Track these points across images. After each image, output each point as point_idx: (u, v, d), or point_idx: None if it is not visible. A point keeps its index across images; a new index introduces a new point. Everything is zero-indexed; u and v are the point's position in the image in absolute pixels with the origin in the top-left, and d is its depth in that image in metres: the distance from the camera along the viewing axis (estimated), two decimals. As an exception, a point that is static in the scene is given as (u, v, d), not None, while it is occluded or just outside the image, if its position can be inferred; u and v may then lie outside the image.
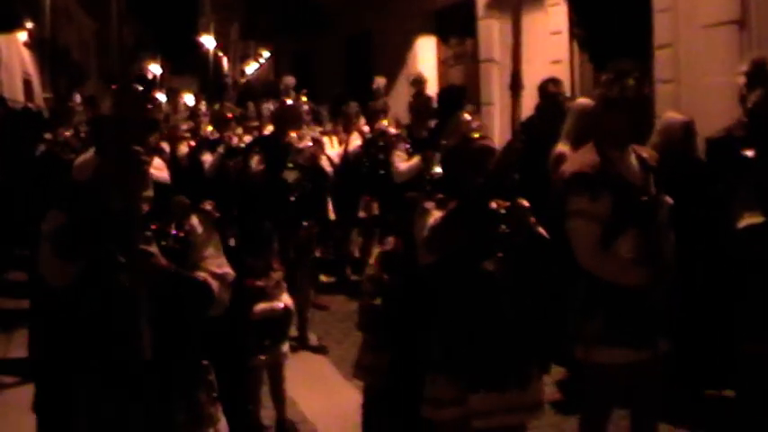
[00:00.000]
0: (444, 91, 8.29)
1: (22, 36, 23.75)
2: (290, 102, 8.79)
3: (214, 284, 3.77)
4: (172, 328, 3.67)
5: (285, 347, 6.18)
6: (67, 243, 3.49)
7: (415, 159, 8.28)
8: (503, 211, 4.28)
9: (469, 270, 4.20)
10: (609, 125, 4.51)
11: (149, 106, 3.93)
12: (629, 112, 4.44)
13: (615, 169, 4.41)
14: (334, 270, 11.24)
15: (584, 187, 4.37)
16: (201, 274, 3.76)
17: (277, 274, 6.08)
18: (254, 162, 8.02)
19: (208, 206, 4.29)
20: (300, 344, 7.95)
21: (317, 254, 8.44)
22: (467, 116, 4.46)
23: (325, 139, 10.33)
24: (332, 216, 9.82)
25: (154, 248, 3.55)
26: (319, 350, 8.07)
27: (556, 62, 12.35)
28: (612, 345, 4.39)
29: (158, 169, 7.73)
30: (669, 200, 4.67)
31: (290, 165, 7.96)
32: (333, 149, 10.61)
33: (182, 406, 3.73)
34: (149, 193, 3.79)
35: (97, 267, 3.55)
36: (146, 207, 3.72)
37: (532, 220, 4.30)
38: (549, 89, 7.87)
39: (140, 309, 3.50)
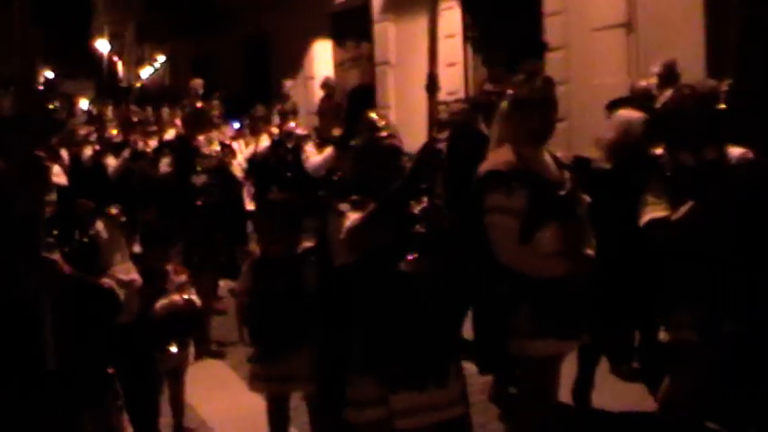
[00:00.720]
0: (353, 91, 8.31)
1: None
2: (199, 105, 8.80)
3: (121, 292, 3.67)
4: (77, 337, 3.54)
5: (190, 351, 6.05)
6: None
7: (328, 150, 8.38)
8: (417, 212, 4.25)
9: (386, 270, 4.17)
10: (520, 124, 4.57)
11: (51, 107, 3.80)
12: (538, 111, 4.52)
13: (529, 166, 4.48)
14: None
15: (499, 184, 4.44)
16: (108, 281, 3.65)
17: (180, 277, 5.92)
18: (163, 165, 7.98)
19: (113, 210, 4.26)
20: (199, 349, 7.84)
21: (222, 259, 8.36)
22: (374, 115, 4.46)
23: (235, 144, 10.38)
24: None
25: (56, 255, 3.44)
26: (218, 355, 8.00)
27: (451, 65, 12.58)
28: (539, 337, 4.45)
29: (56, 175, 7.67)
30: (586, 197, 4.75)
31: (199, 168, 7.88)
32: (241, 154, 10.62)
33: (89, 417, 3.64)
34: (52, 197, 3.72)
35: None
36: (48, 211, 3.61)
37: (446, 219, 4.31)
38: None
39: (43, 317, 3.36)
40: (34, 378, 3.43)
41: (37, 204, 3.43)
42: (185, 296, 5.82)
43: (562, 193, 4.51)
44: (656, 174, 4.84)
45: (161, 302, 5.54)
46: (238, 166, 8.64)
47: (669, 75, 7.17)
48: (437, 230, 4.21)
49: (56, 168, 7.86)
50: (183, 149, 7.97)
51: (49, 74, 50.36)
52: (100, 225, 3.76)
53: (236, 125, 12.43)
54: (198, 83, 11.47)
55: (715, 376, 4.87)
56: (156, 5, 24.94)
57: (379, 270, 4.16)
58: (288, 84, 11.67)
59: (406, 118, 13.40)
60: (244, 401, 6.34)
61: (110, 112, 12.78)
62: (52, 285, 3.38)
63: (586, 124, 7.60)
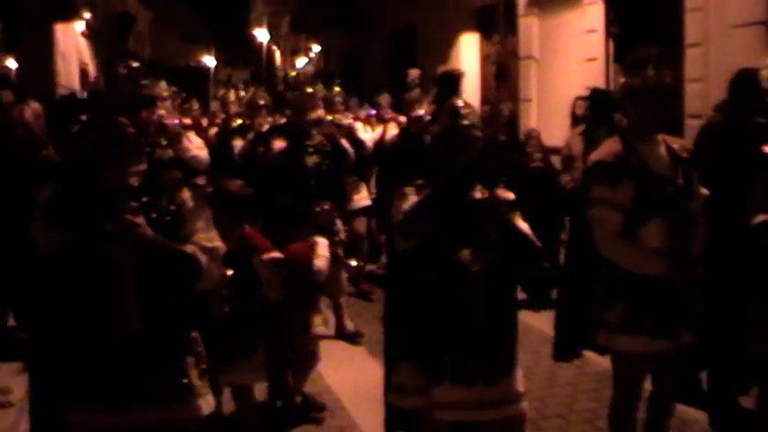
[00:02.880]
0: (442, 76, 8.28)
1: (80, 26, 24.30)
2: (308, 89, 8.87)
3: (202, 257, 3.73)
4: (158, 299, 3.63)
5: (318, 321, 6.11)
6: (55, 212, 3.53)
7: None
8: (478, 203, 4.19)
9: (443, 259, 4.13)
10: (631, 114, 4.50)
11: (144, 83, 4.02)
12: (650, 100, 4.35)
13: (638, 158, 4.34)
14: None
15: (605, 176, 4.33)
16: (190, 247, 3.72)
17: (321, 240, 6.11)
18: (276, 145, 8.13)
19: (201, 181, 4.26)
20: (337, 332, 7.94)
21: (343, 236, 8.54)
22: (459, 103, 4.41)
23: (359, 124, 10.68)
24: (367, 202, 10.18)
25: (140, 219, 3.51)
26: (355, 337, 8.17)
27: (591, 60, 12.64)
28: (632, 333, 4.35)
29: (199, 149, 8.12)
30: (704, 192, 4.61)
31: (310, 149, 8.04)
32: (367, 133, 10.88)
33: (167, 378, 3.69)
34: (141, 166, 3.79)
35: (85, 236, 3.52)
36: (136, 180, 3.72)
37: (515, 214, 4.26)
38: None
39: (126, 278, 3.46)
40: (117, 336, 3.53)
41: (119, 171, 3.55)
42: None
43: (671, 188, 4.37)
44: (765, 174, 4.77)
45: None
46: (347, 143, 8.83)
47: None
48: (497, 223, 4.16)
49: (199, 141, 8.33)
50: (293, 131, 8.16)
51: (210, 60, 52.14)
52: (186, 194, 3.85)
53: (373, 112, 12.75)
54: (309, 69, 11.85)
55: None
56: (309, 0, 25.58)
57: (434, 258, 4.12)
58: (413, 73, 11.87)
59: (546, 112, 13.61)
60: (368, 373, 6.75)
61: (232, 95, 13.26)
62: (135, 248, 3.47)
63: None
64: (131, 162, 3.68)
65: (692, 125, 10.28)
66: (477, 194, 4.18)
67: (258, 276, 5.24)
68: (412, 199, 4.19)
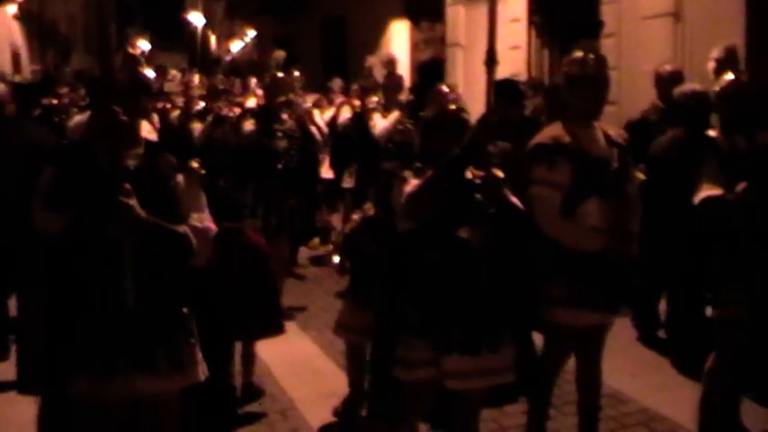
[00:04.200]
0: (424, 65, 8.65)
1: (11, 9, 24.13)
2: (280, 74, 8.98)
3: (194, 237, 3.87)
4: (153, 277, 3.77)
5: None
6: (55, 195, 3.66)
7: (394, 114, 8.91)
8: (477, 181, 4.34)
9: (445, 237, 4.28)
10: (571, 102, 4.67)
11: (141, 69, 4.13)
12: (588, 88, 4.59)
13: (576, 142, 4.56)
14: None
15: (543, 157, 4.56)
16: (183, 227, 3.85)
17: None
18: (246, 126, 8.25)
19: (194, 164, 4.26)
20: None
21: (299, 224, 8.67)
22: (445, 89, 4.66)
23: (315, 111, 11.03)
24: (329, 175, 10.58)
25: (133, 201, 3.61)
26: (288, 315, 8.11)
27: (515, 48, 13.14)
28: (573, 307, 4.55)
29: (148, 132, 8.29)
30: (639, 175, 5.00)
31: (280, 134, 8.16)
32: (319, 119, 11.21)
33: (162, 349, 3.83)
34: (138, 150, 3.91)
35: (83, 218, 3.65)
36: (133, 163, 3.85)
37: (506, 190, 4.39)
38: None
39: (122, 256, 3.63)
40: (114, 310, 3.69)
41: (118, 156, 3.69)
42: None
43: (607, 169, 4.59)
44: (712, 155, 4.94)
45: None
46: (317, 131, 9.00)
47: (729, 59, 7.25)
48: (495, 200, 4.32)
49: (147, 126, 8.49)
50: (264, 115, 8.31)
51: (145, 45, 51.78)
52: (180, 177, 3.98)
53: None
54: (280, 54, 12.03)
55: (760, 352, 5.00)
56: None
57: (437, 236, 4.27)
58: (371, 59, 12.17)
59: (472, 97, 14.04)
60: (299, 347, 7.13)
61: (196, 79, 13.54)
62: (130, 228, 3.61)
63: (635, 108, 8.08)
64: (126, 147, 3.79)
65: (607, 111, 10.78)
66: (470, 174, 4.34)
67: None
68: (412, 182, 4.29)
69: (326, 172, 10.94)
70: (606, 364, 4.95)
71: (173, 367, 3.85)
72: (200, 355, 4.01)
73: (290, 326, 7.77)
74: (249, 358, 6.23)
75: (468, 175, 4.33)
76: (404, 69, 16.92)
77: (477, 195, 4.31)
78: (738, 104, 5.16)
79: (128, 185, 3.61)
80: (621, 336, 6.21)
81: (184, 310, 3.98)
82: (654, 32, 10.32)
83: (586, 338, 4.76)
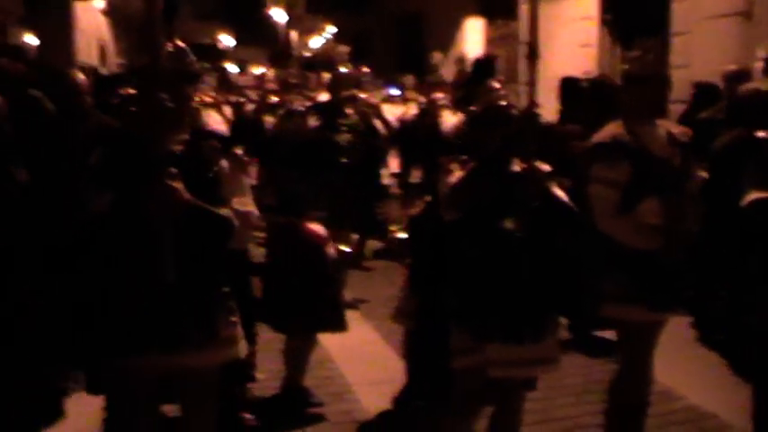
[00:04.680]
0: (477, 61, 8.77)
1: (99, 4, 24.72)
2: (343, 69, 9.14)
3: (235, 220, 3.99)
4: (193, 257, 3.87)
5: None
6: (103, 173, 3.83)
7: (462, 115, 8.94)
8: (519, 173, 4.40)
9: (489, 227, 4.33)
10: (631, 100, 4.67)
11: (188, 61, 4.27)
12: (650, 86, 4.61)
13: (636, 140, 4.56)
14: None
15: (603, 155, 4.57)
16: (224, 210, 3.95)
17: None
18: (311, 123, 8.23)
19: (238, 151, 4.34)
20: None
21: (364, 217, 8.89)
22: (494, 84, 4.86)
23: (386, 106, 11.17)
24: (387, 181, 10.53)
25: (178, 184, 3.73)
26: (352, 306, 8.30)
27: (585, 45, 13.19)
28: (630, 303, 4.56)
29: (217, 123, 8.48)
30: (701, 174, 4.91)
31: (344, 128, 8.29)
32: (389, 114, 11.35)
33: (201, 326, 3.93)
34: (183, 136, 4.02)
35: (129, 197, 3.76)
36: (178, 148, 3.96)
37: (553, 184, 4.44)
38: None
39: (164, 236, 3.72)
40: (155, 287, 3.78)
41: (163, 140, 3.80)
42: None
43: (667, 168, 4.58)
44: (758, 156, 4.84)
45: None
46: (381, 124, 9.15)
47: None
48: (538, 193, 4.36)
49: (217, 117, 8.71)
50: (328, 110, 8.44)
51: (229, 40, 52.47)
52: (224, 163, 4.08)
53: (394, 91, 13.17)
54: (344, 49, 12.19)
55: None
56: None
57: (481, 226, 4.33)
58: (437, 56, 12.31)
59: (545, 94, 14.10)
60: (359, 334, 7.15)
61: (271, 74, 13.81)
62: (172, 209, 3.70)
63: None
64: (171, 132, 3.90)
65: (676, 110, 10.82)
66: (516, 167, 4.40)
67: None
68: (458, 173, 4.40)
69: (393, 168, 11.04)
70: (660, 362, 4.94)
71: (209, 342, 3.94)
72: (241, 333, 4.12)
73: (354, 315, 7.82)
74: (289, 353, 6.11)
75: (516, 167, 4.39)
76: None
77: (521, 187, 4.35)
78: None
79: (173, 169, 3.73)
80: (679, 335, 6.27)
81: (225, 288, 4.07)
82: (724, 31, 10.30)
83: (638, 335, 4.73)
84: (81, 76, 5.27)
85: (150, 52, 3.84)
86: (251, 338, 5.46)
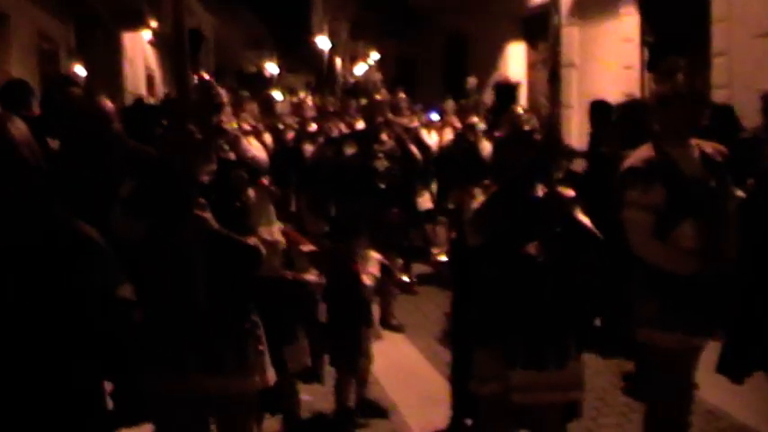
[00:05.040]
0: (499, 86, 8.80)
1: (147, 35, 25.15)
2: (378, 97, 9.19)
3: (262, 249, 4.08)
4: (224, 284, 3.96)
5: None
6: (137, 204, 3.89)
7: None
8: (545, 198, 4.39)
9: (511, 252, 4.32)
10: (663, 121, 4.63)
11: (214, 92, 4.38)
12: (681, 107, 4.54)
13: (669, 162, 4.51)
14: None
15: (637, 180, 4.52)
16: (252, 239, 4.05)
17: (375, 255, 6.34)
18: (348, 150, 8.48)
19: (264, 181, 4.45)
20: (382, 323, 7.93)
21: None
22: (519, 110, 4.73)
23: (424, 131, 11.24)
24: (429, 205, 10.63)
25: (207, 214, 3.83)
26: (398, 329, 8.47)
27: (627, 67, 13.20)
28: (666, 329, 4.50)
29: (257, 150, 8.57)
30: (739, 193, 4.85)
31: (380, 154, 8.40)
32: (431, 139, 11.42)
33: (230, 353, 4.03)
34: (211, 167, 4.13)
35: (161, 227, 3.86)
36: (206, 179, 4.06)
37: (576, 209, 4.42)
38: None
39: (195, 263, 3.81)
40: (187, 313, 3.89)
41: (193, 171, 3.89)
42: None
43: (703, 189, 4.50)
44: None
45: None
46: (416, 148, 9.12)
47: None
48: (561, 217, 4.36)
49: (257, 144, 8.77)
50: (364, 136, 8.62)
51: (273, 67, 53.07)
52: (251, 192, 4.19)
53: (434, 116, 13.24)
54: (377, 76, 12.23)
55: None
56: (366, 4, 26.24)
57: (504, 251, 4.33)
58: (471, 81, 12.36)
59: (586, 117, 14.15)
60: (404, 355, 7.33)
61: (309, 101, 13.92)
62: (202, 239, 3.81)
63: (748, 127, 8.11)
64: (200, 163, 4.00)
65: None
66: (540, 192, 4.39)
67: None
68: (480, 198, 4.40)
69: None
70: (707, 381, 4.97)
71: (240, 370, 4.06)
72: (268, 362, 4.22)
73: (399, 337, 8.18)
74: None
75: (539, 192, 4.40)
76: (521, 89, 17.20)
77: (544, 212, 4.35)
78: None
79: (202, 199, 3.85)
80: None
81: (253, 317, 4.18)
82: (764, 51, 10.28)
83: (674, 362, 4.65)
84: (109, 104, 5.29)
85: (178, 84, 3.95)
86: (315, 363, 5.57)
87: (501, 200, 4.34)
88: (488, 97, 15.58)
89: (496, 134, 4.72)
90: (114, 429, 4.47)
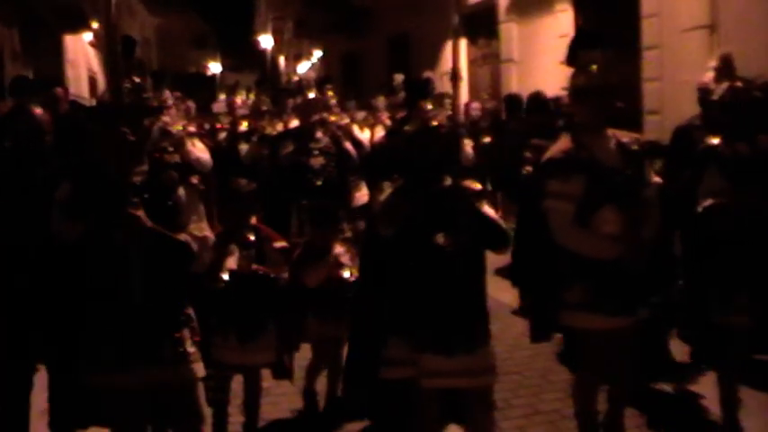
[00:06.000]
0: (409, 83, 8.93)
1: (88, 36, 24.95)
2: (311, 95, 9.18)
3: (194, 245, 4.26)
4: (158, 279, 4.13)
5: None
6: (74, 206, 4.07)
7: None
8: (446, 190, 4.52)
9: (420, 242, 4.44)
10: (579, 113, 4.72)
11: (145, 95, 4.46)
12: (593, 99, 4.61)
13: (587, 152, 4.60)
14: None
15: (556, 171, 4.63)
16: (183, 236, 4.23)
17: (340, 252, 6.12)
18: (285, 149, 8.57)
19: (194, 180, 4.54)
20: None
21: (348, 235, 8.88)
22: (428, 106, 5.00)
23: (355, 127, 11.31)
24: (365, 200, 10.83)
25: (140, 213, 3.99)
26: None
27: (563, 63, 13.49)
28: (590, 311, 4.61)
29: (202, 152, 8.52)
30: (656, 180, 4.97)
31: (316, 152, 8.48)
32: (363, 134, 11.55)
33: (166, 344, 4.21)
34: (143, 167, 4.27)
35: (96, 226, 4.04)
36: (138, 179, 4.20)
37: (481, 201, 4.54)
38: None
39: (130, 260, 4.02)
40: (123, 308, 4.11)
41: (126, 172, 4.09)
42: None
43: (620, 177, 4.63)
44: (714, 162, 5.11)
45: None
46: (351, 145, 9.18)
47: (726, 68, 7.24)
48: (466, 209, 4.48)
49: (200, 145, 8.79)
50: (300, 135, 8.69)
51: (216, 67, 52.85)
52: (182, 191, 4.37)
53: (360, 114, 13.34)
54: (310, 75, 12.27)
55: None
56: (311, 2, 26.30)
57: (413, 241, 4.46)
58: (398, 77, 12.47)
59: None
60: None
61: (239, 100, 13.98)
62: (136, 236, 4.01)
63: (676, 118, 8.36)
64: (133, 164, 4.18)
65: (651, 120, 11.25)
66: (446, 184, 4.51)
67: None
68: (388, 191, 4.56)
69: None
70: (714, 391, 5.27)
71: (176, 361, 4.25)
72: (198, 354, 4.39)
73: None
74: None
75: (445, 185, 4.53)
76: (463, 85, 17.48)
77: (449, 204, 4.47)
78: (737, 111, 5.26)
79: (135, 198, 4.03)
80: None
81: (187, 311, 4.39)
82: (692, 44, 10.66)
83: (610, 341, 4.74)
84: (43, 116, 5.29)
85: (111, 88, 4.14)
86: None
87: (405, 192, 4.49)
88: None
89: (405, 129, 4.88)
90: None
